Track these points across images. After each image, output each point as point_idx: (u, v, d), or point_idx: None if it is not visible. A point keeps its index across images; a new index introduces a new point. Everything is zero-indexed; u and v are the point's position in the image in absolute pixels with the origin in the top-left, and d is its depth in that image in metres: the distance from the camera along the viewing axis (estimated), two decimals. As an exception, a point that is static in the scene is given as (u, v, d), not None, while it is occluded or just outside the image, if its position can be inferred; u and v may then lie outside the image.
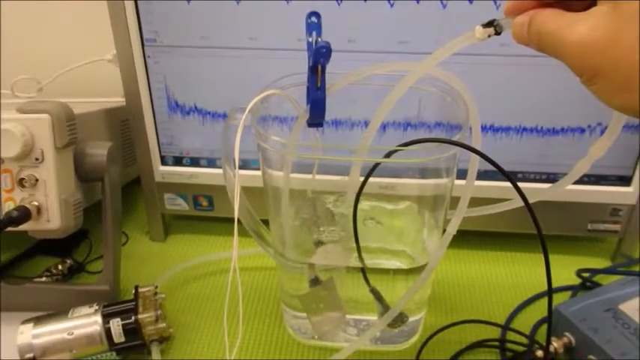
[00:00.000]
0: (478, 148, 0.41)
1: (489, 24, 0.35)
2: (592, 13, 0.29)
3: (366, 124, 0.58)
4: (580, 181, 0.60)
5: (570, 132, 0.59)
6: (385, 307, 0.50)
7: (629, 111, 0.30)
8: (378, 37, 0.56)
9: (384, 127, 0.58)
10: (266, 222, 0.53)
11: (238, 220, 0.42)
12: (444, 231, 0.45)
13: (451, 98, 0.45)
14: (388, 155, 0.40)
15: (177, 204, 0.69)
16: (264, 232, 0.54)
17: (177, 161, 0.66)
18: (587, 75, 0.30)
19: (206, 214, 0.69)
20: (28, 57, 0.85)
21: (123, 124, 0.71)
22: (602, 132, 0.58)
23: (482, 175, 0.43)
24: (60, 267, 0.64)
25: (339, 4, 0.54)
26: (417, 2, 0.53)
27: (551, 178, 0.61)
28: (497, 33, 0.35)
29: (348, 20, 0.55)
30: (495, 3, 0.53)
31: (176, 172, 0.66)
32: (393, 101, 0.42)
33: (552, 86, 0.56)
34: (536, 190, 0.46)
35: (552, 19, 0.31)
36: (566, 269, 0.64)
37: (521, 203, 0.39)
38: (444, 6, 0.53)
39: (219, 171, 0.51)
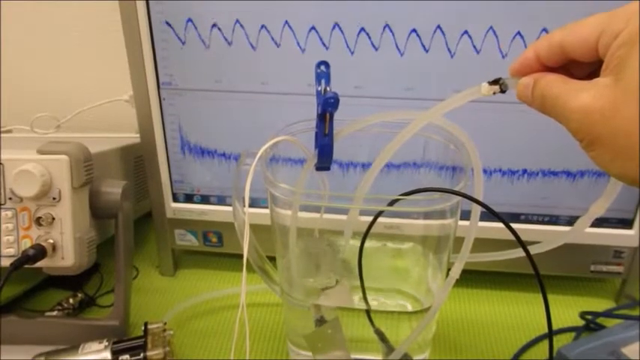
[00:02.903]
0: (480, 194, 0.43)
1: (495, 82, 0.37)
2: (595, 83, 0.31)
3: (370, 165, 0.60)
4: (582, 224, 0.62)
5: (571, 175, 0.60)
6: (389, 348, 0.50)
7: (625, 179, 0.31)
8: (384, 83, 0.58)
9: (391, 167, 0.60)
10: (272, 259, 0.54)
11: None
12: (448, 272, 0.46)
13: (454, 146, 0.47)
14: (391, 204, 0.42)
15: (188, 240, 0.70)
16: (270, 270, 0.55)
17: (189, 198, 0.68)
18: (586, 141, 0.31)
19: (215, 249, 0.71)
20: (47, 95, 0.88)
21: (137, 160, 0.73)
22: (602, 174, 0.59)
23: (485, 216, 0.44)
24: (71, 301, 0.65)
25: (350, 53, 0.56)
26: (427, 52, 0.55)
27: (552, 220, 0.62)
28: (503, 91, 0.37)
29: (356, 67, 0.57)
30: (501, 53, 0.55)
31: (187, 209, 0.68)
32: (394, 150, 0.43)
33: (554, 130, 0.57)
34: (537, 234, 0.47)
35: (557, 84, 0.33)
36: (569, 310, 0.64)
37: (522, 253, 0.40)
38: (452, 55, 0.55)
39: (229, 208, 0.52)
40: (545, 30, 0.53)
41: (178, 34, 0.58)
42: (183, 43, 0.58)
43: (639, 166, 0.29)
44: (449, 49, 0.55)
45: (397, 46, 0.55)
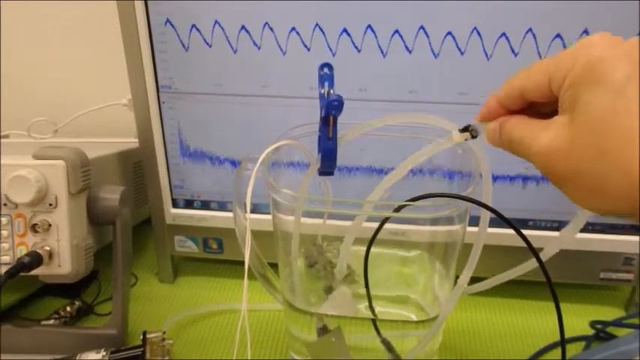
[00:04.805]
0: (489, 199, 0.42)
1: (465, 129, 0.38)
2: (553, 122, 0.31)
3: (374, 170, 0.59)
4: (592, 230, 0.61)
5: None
6: (396, 357, 0.49)
7: (598, 211, 0.31)
8: (388, 86, 0.56)
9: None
10: (274, 265, 0.53)
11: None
12: (456, 281, 0.45)
13: (462, 150, 0.46)
14: (398, 209, 0.40)
15: (187, 246, 0.69)
16: (272, 278, 0.54)
17: (188, 204, 0.67)
18: (554, 180, 0.32)
19: (215, 256, 0.70)
20: (44, 100, 0.87)
21: (136, 165, 0.72)
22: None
23: (493, 223, 0.43)
24: (68, 309, 0.64)
25: (351, 55, 0.55)
26: (436, 57, 0.54)
27: (561, 226, 0.61)
28: (474, 137, 0.38)
29: (360, 69, 0.56)
30: (513, 52, 0.54)
31: (187, 214, 0.67)
32: (403, 173, 0.43)
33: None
34: (545, 241, 0.45)
35: (519, 128, 0.34)
36: (579, 318, 0.63)
37: (533, 266, 0.39)
38: (462, 54, 0.54)
39: (230, 214, 0.51)
40: (559, 36, 0.52)
41: (180, 37, 0.57)
42: (184, 46, 0.57)
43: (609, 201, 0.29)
44: (459, 51, 0.54)
45: (405, 48, 0.54)
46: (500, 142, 0.35)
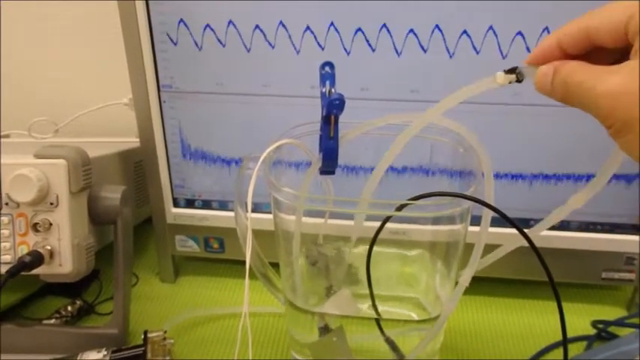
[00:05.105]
0: (490, 197, 0.42)
1: (511, 71, 0.35)
2: (625, 66, 0.30)
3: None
4: (594, 230, 0.61)
5: (580, 178, 0.59)
6: (400, 356, 0.49)
7: None
8: (389, 85, 0.56)
9: (398, 170, 0.58)
10: (275, 265, 0.53)
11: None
12: (457, 281, 0.45)
13: (463, 149, 0.46)
14: (400, 208, 0.40)
15: (189, 246, 0.69)
16: (273, 277, 0.54)
17: (190, 203, 0.67)
18: (616, 127, 0.30)
19: (217, 256, 0.69)
20: (45, 99, 0.87)
21: (137, 165, 0.72)
22: (615, 178, 0.58)
23: (495, 222, 0.42)
24: (70, 308, 0.64)
25: (347, 55, 0.55)
26: (437, 56, 0.54)
27: (564, 225, 0.61)
28: (519, 81, 0.35)
29: (361, 69, 0.56)
30: (502, 53, 0.53)
31: (188, 214, 0.66)
32: (398, 150, 0.42)
33: (563, 134, 0.57)
34: (548, 240, 0.45)
35: (581, 70, 0.32)
36: (580, 318, 0.62)
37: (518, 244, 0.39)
38: (451, 56, 0.54)
39: (231, 214, 0.51)
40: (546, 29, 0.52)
41: (180, 36, 0.57)
42: (185, 45, 0.57)
43: None
44: (462, 51, 0.54)
45: (407, 48, 0.54)
46: (551, 88, 0.33)
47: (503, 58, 0.54)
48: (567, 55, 0.33)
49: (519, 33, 0.53)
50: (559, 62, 0.33)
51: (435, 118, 0.41)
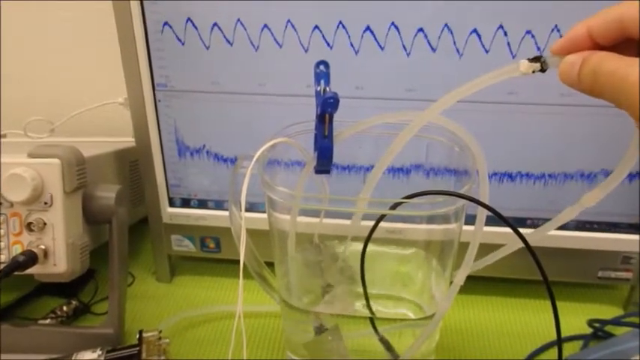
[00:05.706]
0: (485, 197, 0.41)
1: (536, 59, 0.34)
2: None
3: (372, 168, 0.59)
4: (590, 229, 0.61)
5: (578, 178, 0.59)
6: (395, 356, 0.49)
7: None
8: (385, 84, 0.56)
9: (393, 171, 0.58)
10: (271, 264, 0.52)
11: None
12: (452, 280, 0.44)
13: (459, 148, 0.45)
14: (394, 207, 0.40)
15: (184, 245, 0.69)
16: (269, 277, 0.54)
17: (185, 203, 0.66)
18: None
19: (213, 255, 0.69)
20: (40, 99, 0.87)
21: (132, 164, 0.72)
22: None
23: (490, 221, 0.42)
24: (65, 308, 0.64)
25: (354, 54, 0.55)
26: (432, 51, 0.54)
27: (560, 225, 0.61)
28: (543, 70, 0.34)
29: (356, 67, 0.56)
30: (512, 53, 0.53)
31: (184, 213, 0.66)
32: (397, 150, 0.42)
33: (560, 133, 0.56)
34: (544, 239, 0.45)
35: (612, 59, 0.31)
36: (577, 317, 0.62)
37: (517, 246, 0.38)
38: (459, 56, 0.54)
39: (227, 213, 0.51)
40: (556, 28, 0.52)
41: (176, 35, 0.57)
42: (180, 44, 0.57)
43: None
44: (456, 50, 0.54)
45: (403, 47, 0.54)
46: (578, 79, 0.32)
47: (513, 57, 0.53)
48: (596, 45, 0.32)
49: (529, 32, 0.52)
50: (587, 52, 0.32)
51: (433, 117, 0.41)
